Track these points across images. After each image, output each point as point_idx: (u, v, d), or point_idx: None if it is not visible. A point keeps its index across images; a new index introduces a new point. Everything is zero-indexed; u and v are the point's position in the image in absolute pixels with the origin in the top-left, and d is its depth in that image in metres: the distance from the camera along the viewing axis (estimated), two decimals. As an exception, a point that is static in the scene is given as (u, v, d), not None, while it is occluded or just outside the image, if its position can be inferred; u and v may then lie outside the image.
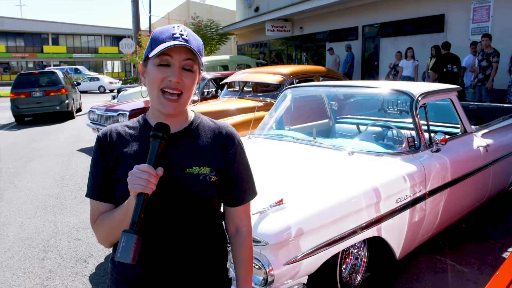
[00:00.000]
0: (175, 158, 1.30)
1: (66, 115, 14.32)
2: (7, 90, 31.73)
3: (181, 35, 1.25)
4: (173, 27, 1.28)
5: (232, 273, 1.50)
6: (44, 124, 13.28)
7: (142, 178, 1.16)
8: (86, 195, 1.36)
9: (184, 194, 1.28)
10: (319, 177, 2.92)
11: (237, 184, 1.39)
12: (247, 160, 1.43)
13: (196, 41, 1.29)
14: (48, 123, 13.46)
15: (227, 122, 1.45)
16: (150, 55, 1.25)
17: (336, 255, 2.66)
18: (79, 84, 21.70)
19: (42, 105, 13.46)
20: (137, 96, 10.59)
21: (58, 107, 13.67)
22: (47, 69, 19.96)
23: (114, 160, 1.33)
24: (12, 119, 14.17)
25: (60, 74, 14.52)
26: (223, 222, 1.47)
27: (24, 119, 13.64)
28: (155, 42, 1.26)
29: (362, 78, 14.71)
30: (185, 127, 1.36)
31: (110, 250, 1.42)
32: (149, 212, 1.23)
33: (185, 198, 1.28)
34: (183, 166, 1.29)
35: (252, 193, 1.44)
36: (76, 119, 14.32)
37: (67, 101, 13.92)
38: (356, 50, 14.88)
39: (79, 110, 16.56)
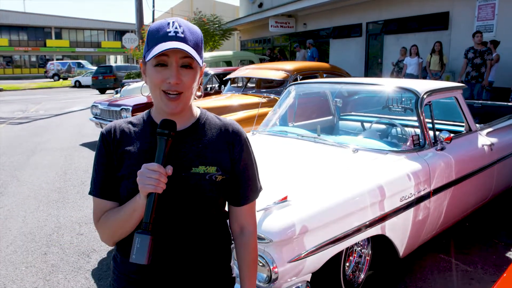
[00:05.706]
0: (181, 157, 1.28)
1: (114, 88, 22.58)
2: (10, 84, 32.05)
3: (176, 32, 1.21)
4: (168, 23, 1.23)
5: (236, 271, 1.49)
6: (103, 94, 22.83)
7: (152, 178, 1.14)
8: (90, 193, 1.33)
9: (189, 193, 1.26)
10: (323, 175, 2.90)
11: (243, 183, 1.36)
12: (253, 159, 1.40)
13: (193, 35, 1.25)
14: (106, 93, 22.83)
15: (233, 119, 1.43)
16: (146, 59, 1.23)
17: (340, 253, 2.65)
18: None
19: (102, 83, 24.81)
20: (140, 91, 10.58)
21: (108, 85, 24.57)
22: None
23: (118, 158, 1.30)
24: (13, 114, 15.19)
25: (114, 68, 25.50)
26: (227, 221, 1.45)
27: (105, 91, 24.51)
28: (151, 41, 1.23)
29: (366, 76, 14.66)
30: (191, 125, 1.34)
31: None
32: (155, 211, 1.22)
33: (190, 197, 1.26)
34: (188, 165, 1.27)
35: (257, 191, 1.42)
36: (80, 113, 14.69)
37: (114, 82, 24.25)
38: (360, 47, 14.82)
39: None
